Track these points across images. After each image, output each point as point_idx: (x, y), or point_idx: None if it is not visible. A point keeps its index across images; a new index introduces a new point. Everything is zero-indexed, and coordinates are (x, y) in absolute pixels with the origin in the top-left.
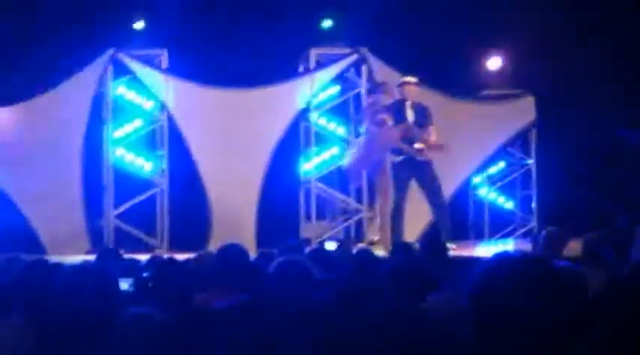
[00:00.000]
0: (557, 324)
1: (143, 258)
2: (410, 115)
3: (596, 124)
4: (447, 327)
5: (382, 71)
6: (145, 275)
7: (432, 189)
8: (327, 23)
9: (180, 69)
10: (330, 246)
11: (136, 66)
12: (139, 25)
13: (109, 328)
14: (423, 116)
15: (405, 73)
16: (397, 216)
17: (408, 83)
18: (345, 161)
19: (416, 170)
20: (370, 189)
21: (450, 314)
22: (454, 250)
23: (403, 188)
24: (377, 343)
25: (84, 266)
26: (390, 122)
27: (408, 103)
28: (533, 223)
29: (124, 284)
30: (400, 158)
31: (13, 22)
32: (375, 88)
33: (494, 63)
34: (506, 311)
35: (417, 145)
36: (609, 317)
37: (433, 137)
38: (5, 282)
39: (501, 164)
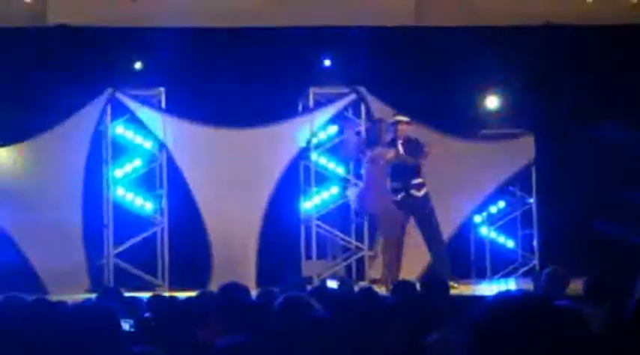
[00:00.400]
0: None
1: (144, 296)
2: (400, 152)
3: (598, 161)
4: None
5: (380, 110)
6: (146, 315)
7: (428, 226)
8: (325, 63)
9: (179, 108)
10: (332, 284)
11: (134, 105)
12: (136, 65)
13: None
14: (415, 148)
15: (403, 111)
16: (396, 254)
17: (400, 122)
18: (351, 196)
19: (413, 208)
20: (371, 227)
21: (450, 352)
22: (456, 288)
23: (403, 227)
24: None
25: (86, 305)
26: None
27: (399, 142)
28: (535, 262)
29: (125, 325)
30: (398, 197)
31: (13, 62)
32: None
33: (492, 102)
34: (507, 350)
35: (414, 181)
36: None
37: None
38: (6, 322)
39: (501, 203)
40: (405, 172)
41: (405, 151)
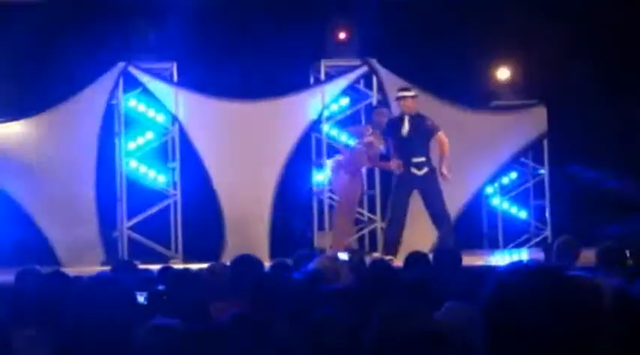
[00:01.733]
0: (571, 335)
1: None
2: (405, 130)
3: (608, 133)
4: (460, 337)
5: (392, 82)
6: (159, 287)
7: (431, 205)
8: (336, 35)
9: (191, 81)
10: (343, 256)
11: (146, 79)
12: (149, 38)
13: (126, 340)
14: (423, 127)
15: (415, 84)
16: (393, 230)
17: (404, 97)
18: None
19: (415, 185)
20: (383, 198)
21: (464, 324)
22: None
23: (403, 202)
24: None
25: (101, 278)
26: (376, 143)
27: (406, 118)
28: (547, 232)
29: (140, 298)
30: (399, 172)
31: (25, 37)
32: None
33: (505, 73)
34: (520, 321)
35: (414, 160)
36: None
37: (444, 146)
38: (21, 294)
39: (513, 174)
40: (407, 149)
41: (412, 128)
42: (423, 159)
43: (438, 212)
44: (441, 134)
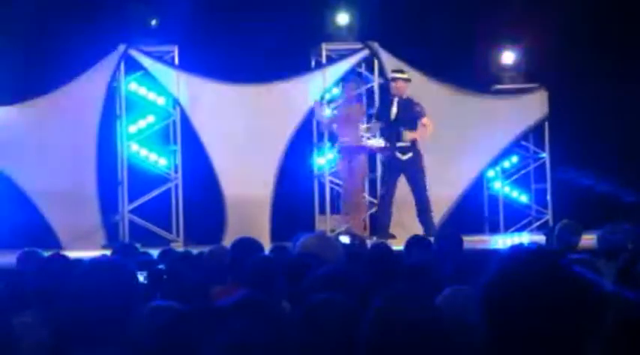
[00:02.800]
0: (571, 318)
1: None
2: (393, 112)
3: (609, 117)
4: (461, 321)
5: (393, 66)
6: (160, 266)
7: (415, 187)
8: (337, 18)
9: (192, 65)
10: (344, 239)
11: (147, 62)
12: (150, 21)
13: (127, 322)
14: (411, 111)
15: (417, 67)
16: (381, 214)
17: (396, 79)
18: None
19: (402, 169)
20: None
21: (464, 308)
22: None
23: (390, 185)
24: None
25: (102, 261)
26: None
27: (396, 100)
28: (548, 216)
29: (140, 277)
30: (386, 156)
31: (26, 20)
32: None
33: (506, 57)
34: (520, 304)
35: (399, 144)
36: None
37: (423, 130)
38: (22, 276)
39: (515, 158)
40: (391, 133)
41: (400, 111)
42: (406, 143)
43: (420, 198)
44: (425, 119)
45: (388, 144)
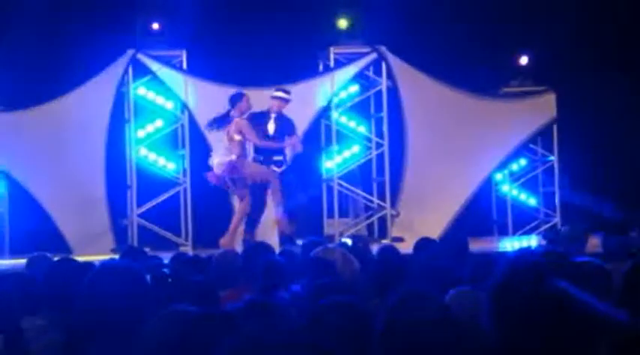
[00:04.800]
0: (580, 319)
1: (167, 255)
2: (271, 128)
3: (618, 120)
4: (469, 322)
5: (401, 69)
6: (164, 270)
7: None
8: (345, 22)
9: (200, 69)
10: (347, 241)
11: (156, 66)
12: (158, 26)
13: (137, 325)
14: (287, 128)
15: (424, 71)
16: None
17: (275, 98)
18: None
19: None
20: (393, 185)
21: (472, 309)
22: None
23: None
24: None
25: (113, 264)
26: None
27: (273, 116)
28: (556, 219)
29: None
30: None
31: (34, 25)
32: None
33: (514, 60)
34: (529, 305)
35: (275, 157)
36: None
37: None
38: (32, 280)
39: (523, 161)
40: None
41: (276, 127)
42: (281, 157)
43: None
44: (294, 138)
45: (262, 158)
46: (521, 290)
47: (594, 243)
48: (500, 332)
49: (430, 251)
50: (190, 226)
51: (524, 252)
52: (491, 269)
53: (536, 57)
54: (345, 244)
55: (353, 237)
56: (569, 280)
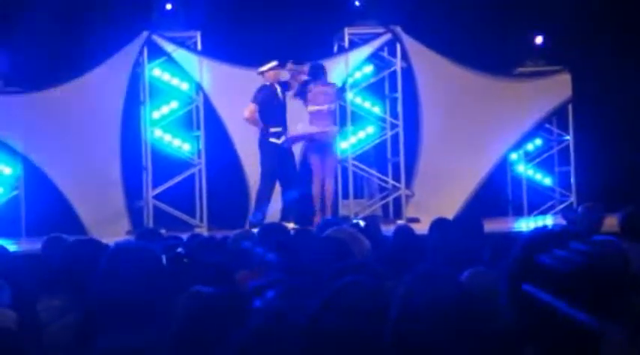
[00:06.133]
0: (599, 298)
1: (183, 237)
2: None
3: (633, 99)
4: (484, 302)
5: (416, 50)
6: (179, 250)
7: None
8: (361, 2)
9: (214, 50)
10: (360, 222)
11: (170, 47)
12: (172, 7)
13: (154, 306)
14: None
15: (439, 51)
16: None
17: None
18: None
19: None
20: (407, 166)
21: (487, 289)
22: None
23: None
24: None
25: (127, 245)
26: None
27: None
28: (572, 199)
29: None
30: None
31: (49, 8)
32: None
33: (529, 40)
34: (550, 283)
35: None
36: None
37: None
38: (48, 261)
39: (538, 141)
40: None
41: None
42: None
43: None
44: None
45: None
46: (538, 269)
47: (612, 222)
48: (516, 311)
49: (445, 231)
50: (205, 207)
51: (541, 231)
52: (507, 250)
53: (551, 37)
54: (357, 225)
55: (365, 217)
56: (588, 258)
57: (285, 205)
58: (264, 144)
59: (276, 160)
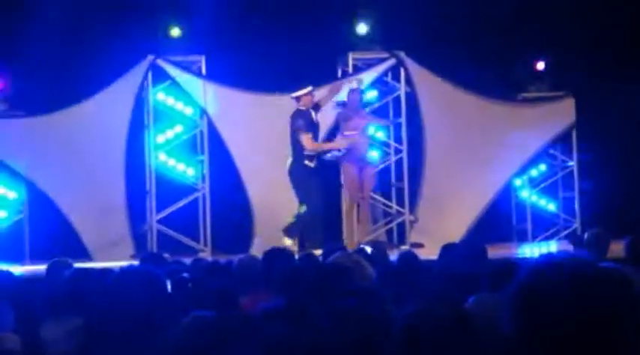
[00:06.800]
0: (603, 325)
1: (186, 261)
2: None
3: (637, 125)
4: (488, 328)
5: (420, 74)
6: (184, 275)
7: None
8: (363, 27)
9: (219, 74)
10: (366, 249)
11: (175, 72)
12: (177, 31)
13: (158, 330)
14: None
15: (443, 76)
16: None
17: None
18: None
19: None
20: (411, 191)
21: (492, 315)
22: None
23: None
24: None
25: (132, 270)
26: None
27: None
28: (576, 225)
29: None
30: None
31: (55, 31)
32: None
33: (533, 66)
34: (552, 311)
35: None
36: None
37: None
38: (52, 285)
39: (542, 166)
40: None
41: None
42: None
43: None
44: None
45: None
46: (545, 296)
47: (617, 247)
48: (522, 338)
49: (451, 257)
50: (209, 232)
51: (547, 257)
52: (511, 276)
53: (554, 62)
54: (363, 251)
55: (371, 243)
56: (593, 287)
57: (300, 222)
58: (299, 168)
59: (313, 182)
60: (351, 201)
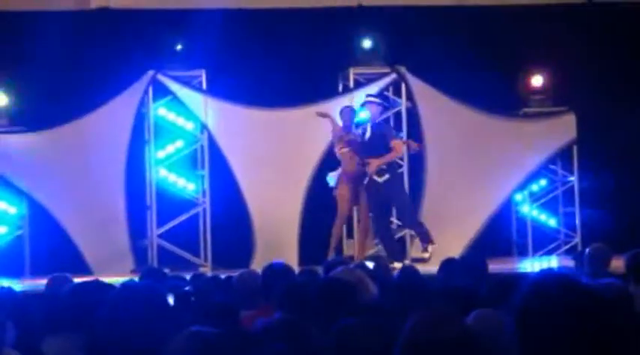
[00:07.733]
0: (603, 341)
1: (187, 276)
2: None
3: (638, 140)
4: (490, 344)
5: (421, 90)
6: (187, 289)
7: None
8: (365, 43)
9: (219, 89)
10: (369, 264)
11: (176, 87)
12: (178, 46)
13: (159, 346)
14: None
15: (444, 91)
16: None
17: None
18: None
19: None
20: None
21: (493, 331)
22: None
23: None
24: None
25: (133, 285)
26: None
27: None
28: (577, 240)
29: (170, 299)
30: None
31: (55, 46)
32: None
33: (534, 81)
34: (552, 327)
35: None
36: None
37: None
38: (53, 301)
39: (543, 181)
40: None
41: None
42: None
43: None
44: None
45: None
46: (546, 312)
47: (618, 263)
48: (524, 353)
49: (452, 272)
50: (209, 247)
51: (548, 274)
52: (512, 291)
53: (555, 78)
54: (365, 266)
55: (374, 258)
56: (591, 303)
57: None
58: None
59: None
60: (341, 218)
